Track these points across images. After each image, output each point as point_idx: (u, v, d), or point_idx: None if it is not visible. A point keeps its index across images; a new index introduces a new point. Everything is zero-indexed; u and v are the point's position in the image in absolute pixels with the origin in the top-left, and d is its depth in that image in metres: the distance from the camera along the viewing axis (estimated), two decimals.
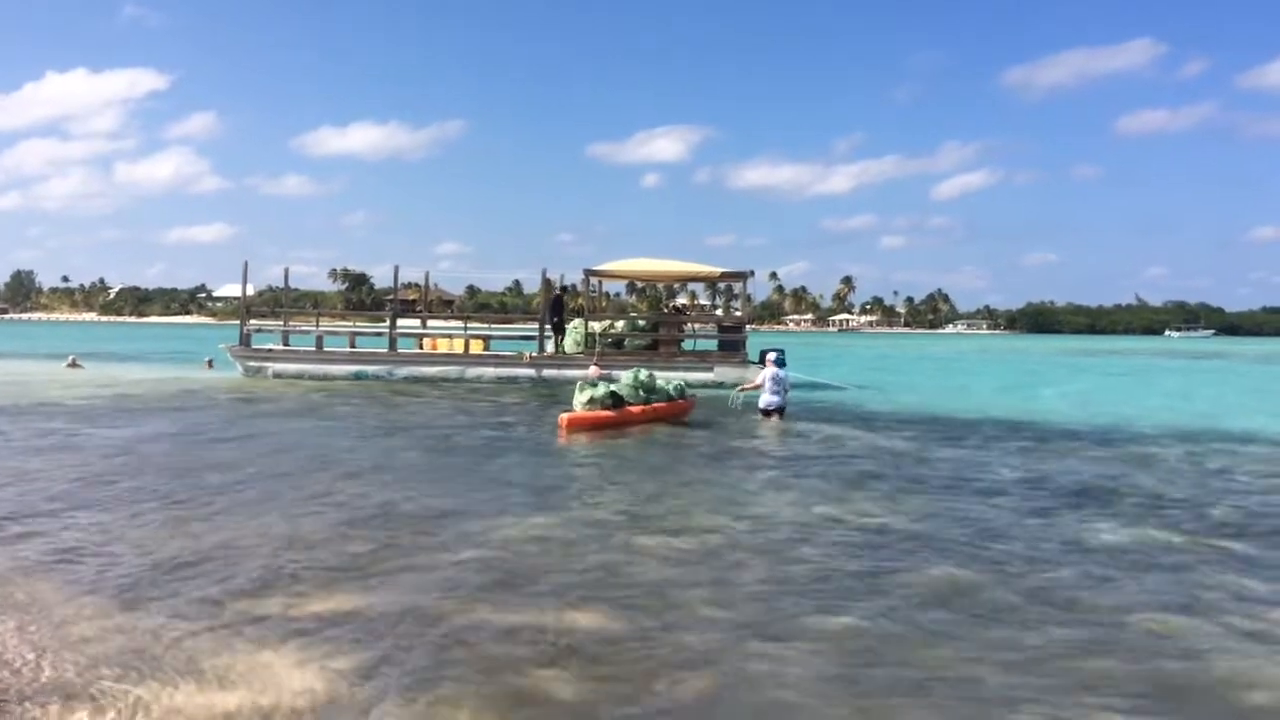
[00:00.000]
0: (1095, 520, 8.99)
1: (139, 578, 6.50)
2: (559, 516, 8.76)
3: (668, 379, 17.91)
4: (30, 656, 5.01)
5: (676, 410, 17.19)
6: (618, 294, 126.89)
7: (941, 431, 16.42)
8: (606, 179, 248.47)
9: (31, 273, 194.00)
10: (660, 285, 49.10)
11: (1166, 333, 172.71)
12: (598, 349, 24.97)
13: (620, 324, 28.36)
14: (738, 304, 32.54)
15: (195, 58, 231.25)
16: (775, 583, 6.72)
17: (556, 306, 26.55)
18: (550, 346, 26.24)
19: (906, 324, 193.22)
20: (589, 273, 27.40)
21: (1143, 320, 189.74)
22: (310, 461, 11.89)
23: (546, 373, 24.91)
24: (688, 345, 27.82)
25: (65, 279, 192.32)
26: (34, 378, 25.93)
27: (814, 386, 25.80)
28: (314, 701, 4.52)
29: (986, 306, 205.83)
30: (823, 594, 6.46)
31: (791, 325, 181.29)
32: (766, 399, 17.23)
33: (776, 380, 17.29)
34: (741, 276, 29.87)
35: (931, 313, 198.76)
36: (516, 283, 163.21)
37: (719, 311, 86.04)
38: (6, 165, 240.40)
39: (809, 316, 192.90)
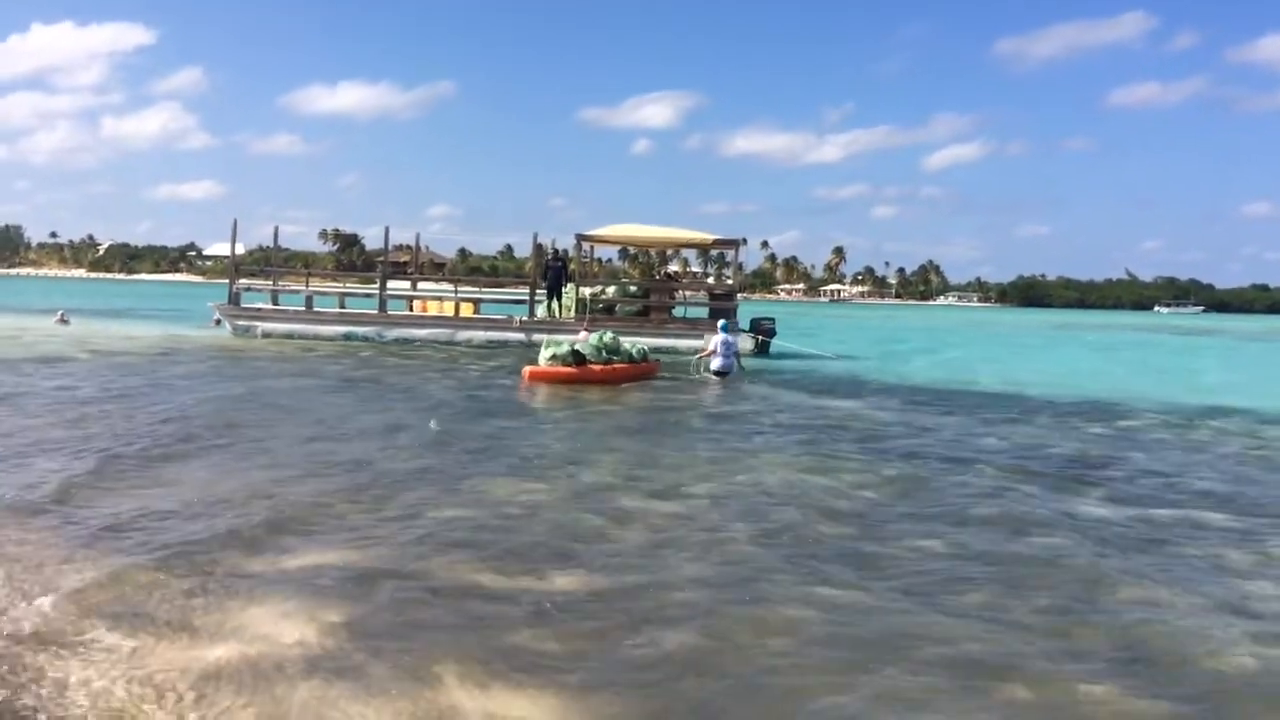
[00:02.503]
0: (1078, 490, 9.10)
1: (129, 532, 6.56)
2: (545, 479, 8.82)
3: (633, 342, 19.01)
4: (21, 605, 5.06)
5: (639, 371, 17.97)
6: (610, 260, 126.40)
7: (927, 401, 16.52)
8: (598, 144, 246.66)
9: (20, 227, 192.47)
10: (653, 252, 48.90)
11: (1156, 308, 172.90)
12: (588, 314, 24.98)
13: (611, 290, 28.33)
14: (729, 272, 32.56)
15: (182, 11, 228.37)
16: (758, 546, 6.79)
17: (559, 272, 26.52)
18: (541, 311, 26.24)
19: (897, 295, 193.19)
20: (581, 238, 27.36)
21: (1133, 295, 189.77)
22: (298, 420, 11.93)
23: (536, 337, 24.87)
24: (679, 312, 27.83)
25: (54, 234, 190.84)
26: (24, 333, 25.83)
27: (802, 356, 25.90)
28: (303, 652, 4.59)
29: (978, 279, 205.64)
30: (804, 558, 6.53)
31: (783, 294, 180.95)
32: (718, 362, 18.75)
33: (727, 345, 18.97)
34: (733, 244, 29.89)
35: (923, 284, 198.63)
36: (508, 247, 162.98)
37: (710, 279, 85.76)
38: None
39: (800, 286, 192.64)
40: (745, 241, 33.26)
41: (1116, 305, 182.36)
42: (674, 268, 52.91)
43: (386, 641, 4.76)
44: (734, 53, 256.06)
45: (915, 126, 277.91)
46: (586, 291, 26.36)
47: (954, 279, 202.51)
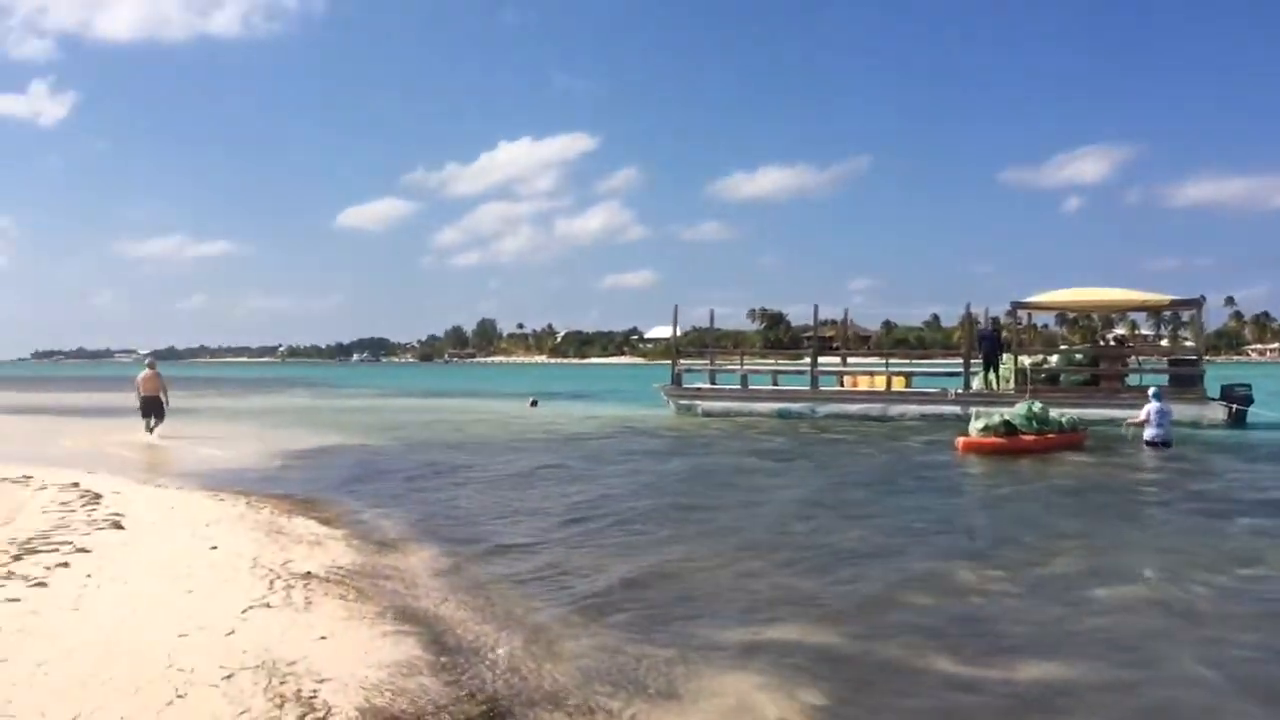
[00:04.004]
0: None
1: (613, 600, 7.19)
2: (1002, 563, 8.46)
3: (1061, 412, 18.58)
4: (533, 666, 5.71)
5: (1068, 441, 17.71)
6: (1045, 326, 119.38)
7: None
8: (1023, 206, 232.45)
9: (494, 321, 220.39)
10: (1095, 316, 45.58)
11: None
12: (1029, 385, 23.69)
13: (1054, 358, 26.74)
14: (1186, 333, 29.47)
15: (619, 119, 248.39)
16: (1260, 642, 6.05)
17: (994, 342, 25.60)
18: (977, 382, 25.32)
19: None
20: (1016, 305, 26.14)
21: None
22: (751, 495, 12.45)
23: (976, 410, 24.00)
24: (1133, 380, 25.57)
25: (520, 325, 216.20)
26: (505, 416, 29.43)
27: None
28: None
29: None
30: None
31: (1254, 355, 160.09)
32: (1151, 432, 17.65)
33: (1161, 414, 17.71)
34: (1193, 304, 27.09)
35: None
36: (934, 316, 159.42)
37: (1164, 342, 78.09)
38: (469, 226, 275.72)
39: (1275, 346, 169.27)
40: (1204, 299, 30.06)
41: None
42: (1120, 331, 48.61)
43: None
44: (1173, 97, 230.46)
45: None
46: (1027, 361, 25.08)
47: None
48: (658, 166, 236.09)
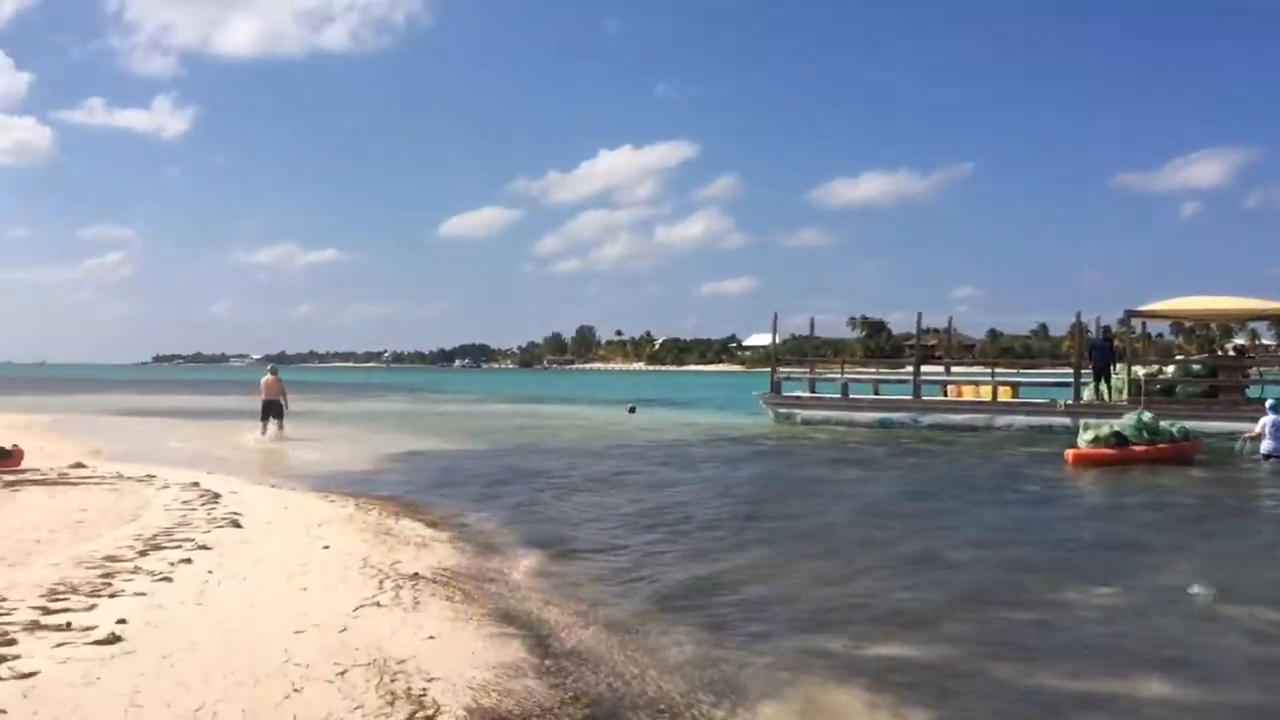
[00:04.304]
0: None
1: (712, 604, 7.20)
2: (1121, 580, 8.20)
3: (1171, 422, 18.19)
4: (635, 671, 5.74)
5: (1180, 452, 17.42)
6: (1159, 335, 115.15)
7: None
8: (1136, 211, 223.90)
9: (592, 328, 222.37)
10: (1212, 325, 43.85)
11: None
12: (1143, 396, 22.89)
13: (1170, 369, 25.76)
14: None
15: (720, 126, 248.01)
16: None
17: (1106, 351, 24.79)
18: (1087, 393, 24.55)
19: None
20: (1131, 314, 25.29)
21: None
22: (849, 506, 12.31)
23: (1085, 421, 23.27)
24: (1253, 392, 24.47)
25: (619, 332, 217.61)
26: (602, 423, 29.66)
27: None
28: None
29: None
30: None
31: None
32: (1268, 445, 17.08)
33: (1277, 426, 17.06)
34: None
35: None
36: (1042, 325, 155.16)
37: None
38: (570, 234, 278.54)
39: None
40: None
41: None
42: (1240, 341, 46.55)
43: None
44: None
45: None
46: (1141, 371, 24.22)
47: None
48: (757, 173, 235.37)
